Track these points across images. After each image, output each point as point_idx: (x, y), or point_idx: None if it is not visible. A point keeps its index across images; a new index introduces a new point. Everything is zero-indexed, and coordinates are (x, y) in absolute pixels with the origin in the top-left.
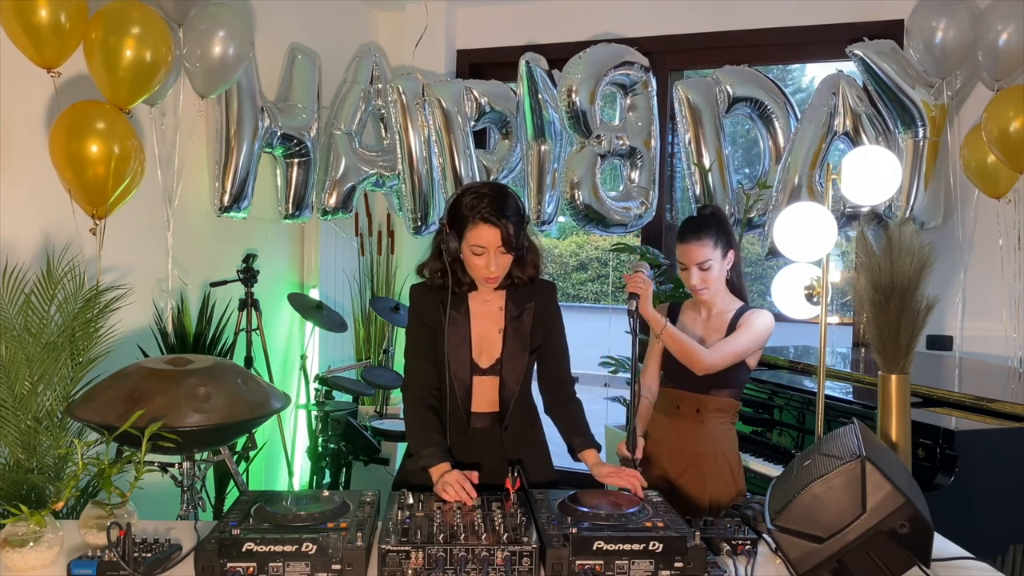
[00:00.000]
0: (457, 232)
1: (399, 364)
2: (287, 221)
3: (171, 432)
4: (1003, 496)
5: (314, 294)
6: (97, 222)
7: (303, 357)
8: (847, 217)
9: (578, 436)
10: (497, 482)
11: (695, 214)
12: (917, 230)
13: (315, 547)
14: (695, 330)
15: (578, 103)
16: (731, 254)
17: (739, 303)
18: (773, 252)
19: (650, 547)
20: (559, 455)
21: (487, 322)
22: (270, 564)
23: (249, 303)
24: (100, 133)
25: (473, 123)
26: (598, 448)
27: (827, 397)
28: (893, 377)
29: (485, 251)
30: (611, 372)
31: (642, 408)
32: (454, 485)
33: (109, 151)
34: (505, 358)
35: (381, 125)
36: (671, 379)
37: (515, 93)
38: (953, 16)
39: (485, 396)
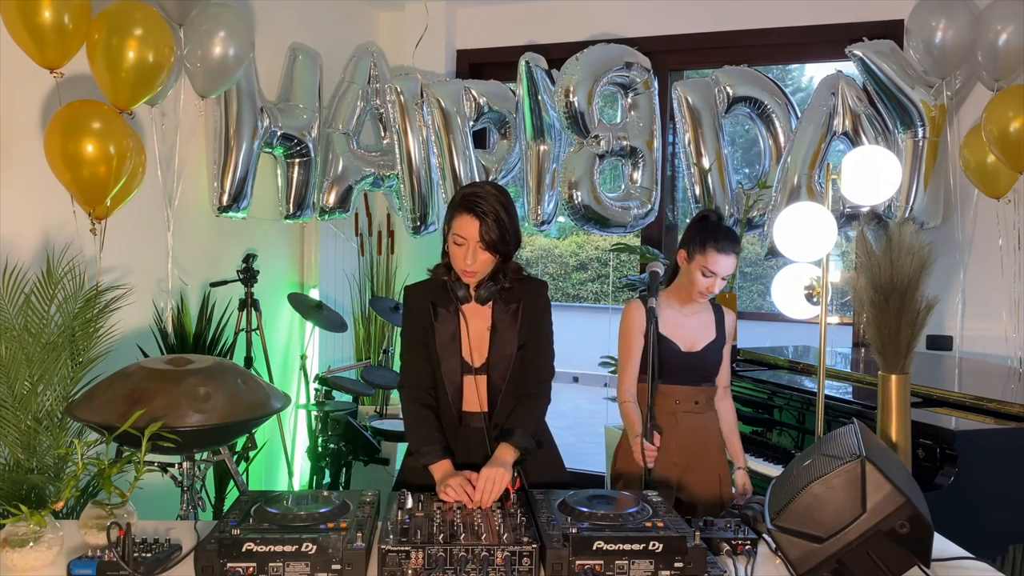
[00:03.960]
0: (447, 224)
1: (399, 364)
2: (288, 221)
3: (171, 432)
4: (1003, 496)
5: (314, 294)
6: (97, 222)
7: (303, 357)
8: (847, 217)
9: (516, 427)
10: None
11: (717, 220)
12: (917, 230)
13: (315, 547)
14: (684, 331)
15: (576, 104)
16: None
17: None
18: (773, 252)
19: (650, 547)
20: (565, 456)
21: (477, 321)
22: (270, 564)
23: (249, 303)
24: (95, 133)
25: (472, 123)
26: (520, 452)
27: (827, 397)
28: (893, 377)
29: (465, 243)
30: (611, 372)
31: (631, 411)
32: (456, 488)
33: (105, 151)
34: (492, 356)
35: (380, 125)
36: (667, 376)
37: (514, 93)
38: (953, 16)
39: (476, 395)
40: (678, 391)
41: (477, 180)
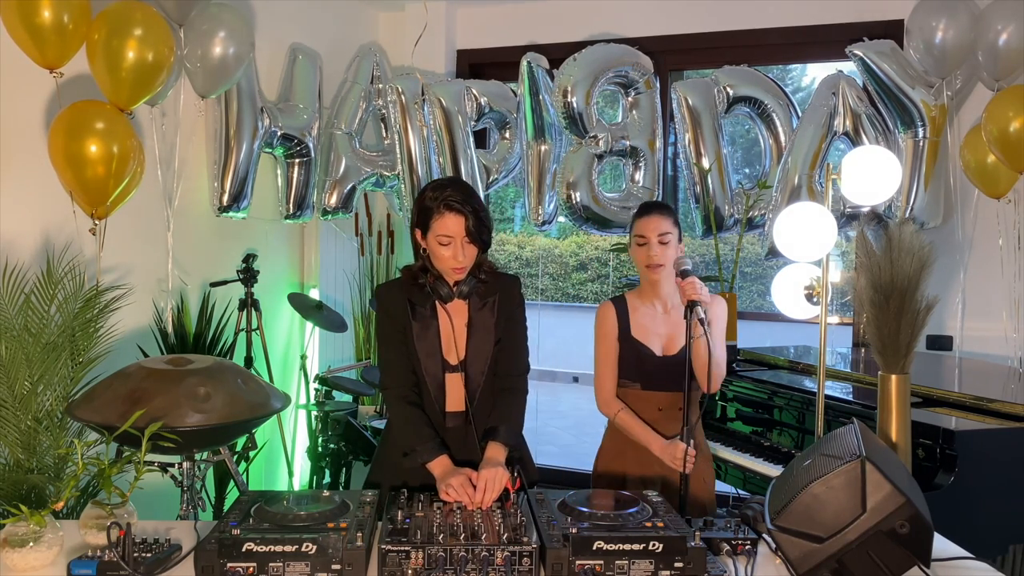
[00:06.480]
0: (423, 227)
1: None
2: (288, 221)
3: (171, 432)
4: (1003, 496)
5: (314, 294)
6: (97, 222)
7: (303, 357)
8: (847, 217)
9: (500, 423)
10: None
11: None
12: (917, 230)
13: (315, 547)
14: (657, 328)
15: (574, 104)
16: (682, 244)
17: None
18: (773, 252)
19: (650, 547)
20: (559, 455)
21: (454, 318)
22: (270, 564)
23: (249, 303)
24: (99, 133)
25: (473, 123)
26: (507, 447)
27: (827, 397)
28: (893, 377)
29: (452, 241)
30: None
31: (631, 420)
32: (457, 488)
33: (108, 151)
34: (470, 352)
35: (382, 125)
36: (646, 381)
37: (515, 93)
38: (953, 16)
39: (456, 394)
40: (660, 397)
41: (475, 180)
